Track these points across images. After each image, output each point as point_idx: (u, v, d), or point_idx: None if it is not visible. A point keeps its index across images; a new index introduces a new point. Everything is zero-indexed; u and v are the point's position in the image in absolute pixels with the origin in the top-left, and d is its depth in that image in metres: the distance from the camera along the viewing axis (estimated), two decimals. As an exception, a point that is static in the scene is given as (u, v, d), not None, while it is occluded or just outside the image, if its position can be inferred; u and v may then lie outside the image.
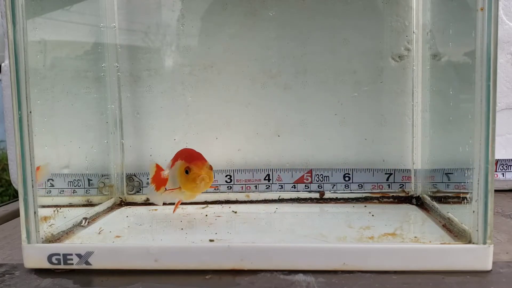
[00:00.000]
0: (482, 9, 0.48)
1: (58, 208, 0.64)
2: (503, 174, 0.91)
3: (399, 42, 0.80)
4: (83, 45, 0.80)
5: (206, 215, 0.73)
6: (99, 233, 0.64)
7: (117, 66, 0.82)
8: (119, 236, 0.63)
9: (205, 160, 0.67)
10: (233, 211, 0.75)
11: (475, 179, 0.51)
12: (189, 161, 0.66)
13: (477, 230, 0.51)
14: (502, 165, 0.91)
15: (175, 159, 0.70)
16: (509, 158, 0.90)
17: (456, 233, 0.58)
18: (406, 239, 0.55)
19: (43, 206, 0.59)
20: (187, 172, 0.65)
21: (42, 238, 0.57)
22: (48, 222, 0.60)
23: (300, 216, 0.71)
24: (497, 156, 0.91)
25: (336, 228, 0.62)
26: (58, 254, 0.55)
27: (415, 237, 0.57)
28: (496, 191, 0.86)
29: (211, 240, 0.58)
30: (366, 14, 0.80)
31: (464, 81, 0.61)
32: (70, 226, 0.65)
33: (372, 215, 0.70)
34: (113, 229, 0.66)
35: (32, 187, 0.55)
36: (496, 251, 0.56)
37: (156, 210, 0.78)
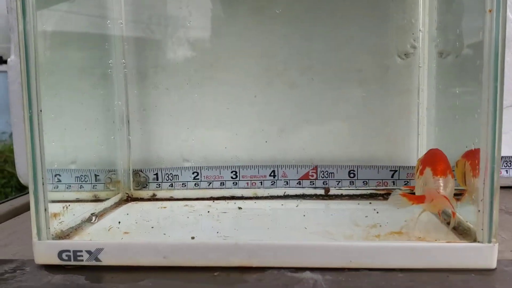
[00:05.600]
0: (490, 11, 0.48)
1: (68, 204, 0.64)
2: (506, 171, 0.91)
3: (406, 39, 0.80)
4: (90, 41, 0.81)
5: (211, 212, 0.74)
6: (108, 230, 0.65)
7: (124, 63, 0.83)
8: (127, 233, 0.63)
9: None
10: (238, 207, 0.76)
11: (481, 179, 0.52)
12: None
13: (482, 229, 0.52)
14: (506, 162, 0.91)
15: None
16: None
17: (461, 231, 0.59)
18: (412, 237, 0.56)
19: (53, 201, 0.60)
20: None
21: (52, 235, 0.57)
22: (58, 218, 0.61)
23: (306, 212, 0.72)
24: (501, 153, 0.91)
25: (342, 226, 0.63)
26: (69, 251, 0.56)
27: (421, 236, 0.58)
28: (499, 187, 0.87)
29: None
30: (373, 11, 0.80)
31: (470, 79, 0.62)
32: (78, 222, 0.66)
33: (377, 212, 0.71)
34: (121, 225, 0.67)
35: (43, 184, 0.55)
36: (501, 249, 0.56)
37: (165, 207, 0.78)
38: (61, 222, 0.61)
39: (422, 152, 0.80)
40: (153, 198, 0.83)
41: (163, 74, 0.84)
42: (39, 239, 0.56)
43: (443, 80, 0.75)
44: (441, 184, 0.60)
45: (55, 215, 0.60)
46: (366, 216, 0.66)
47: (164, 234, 0.62)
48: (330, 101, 0.82)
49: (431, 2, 0.77)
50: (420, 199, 0.59)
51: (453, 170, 0.64)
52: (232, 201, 0.80)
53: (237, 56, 0.83)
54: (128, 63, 0.83)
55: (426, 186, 0.62)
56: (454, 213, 0.58)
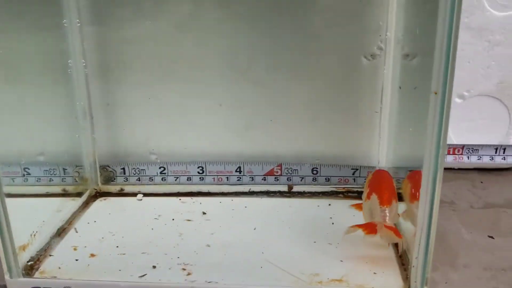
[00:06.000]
0: (436, 93, 0.48)
1: (35, 232, 0.68)
2: (468, 157, 0.94)
3: (372, 41, 0.78)
4: (47, 40, 0.78)
5: (175, 220, 0.77)
6: (74, 250, 0.69)
7: (84, 63, 0.81)
8: (94, 255, 0.67)
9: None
10: (203, 212, 0.79)
11: (417, 239, 0.54)
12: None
13: (415, 281, 0.56)
14: (468, 149, 0.94)
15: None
16: (475, 143, 0.93)
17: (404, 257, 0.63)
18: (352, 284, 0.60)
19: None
20: None
21: (23, 272, 0.62)
22: (26, 250, 0.64)
23: (264, 229, 0.74)
24: (464, 141, 0.94)
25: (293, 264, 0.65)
26: (39, 288, 0.61)
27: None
28: (459, 169, 0.91)
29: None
30: (340, 11, 0.77)
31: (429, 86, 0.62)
32: (47, 241, 0.70)
33: (333, 223, 0.75)
34: (88, 243, 0.70)
35: (8, 233, 0.58)
36: (436, 279, 0.61)
37: (131, 214, 0.81)
38: (30, 259, 0.64)
39: (383, 153, 0.83)
40: (121, 193, 0.87)
41: (126, 70, 0.82)
42: (11, 277, 0.61)
43: (407, 83, 0.74)
44: (387, 215, 0.63)
45: (23, 247, 0.64)
46: (315, 242, 0.70)
47: (128, 259, 0.66)
48: (295, 100, 0.82)
49: (399, 5, 0.74)
50: (372, 230, 0.63)
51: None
52: (198, 201, 0.83)
53: (202, 52, 0.81)
54: (89, 60, 0.81)
55: (373, 215, 0.65)
56: (401, 237, 0.62)
